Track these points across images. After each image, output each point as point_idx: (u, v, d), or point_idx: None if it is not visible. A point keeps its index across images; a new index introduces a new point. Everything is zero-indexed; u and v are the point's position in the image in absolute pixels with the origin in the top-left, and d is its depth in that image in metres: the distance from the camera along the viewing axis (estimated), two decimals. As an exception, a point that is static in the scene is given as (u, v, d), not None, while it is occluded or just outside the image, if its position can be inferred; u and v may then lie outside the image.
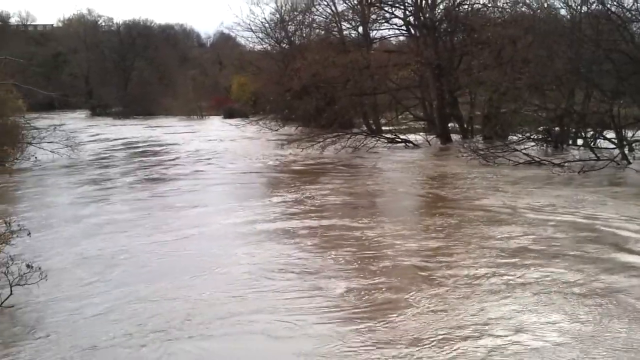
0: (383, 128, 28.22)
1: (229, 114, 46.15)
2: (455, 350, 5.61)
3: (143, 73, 61.07)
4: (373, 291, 7.28)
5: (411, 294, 7.06)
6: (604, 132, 18.07)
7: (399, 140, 24.10)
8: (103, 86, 61.68)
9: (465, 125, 24.85)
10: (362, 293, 7.21)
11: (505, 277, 7.52)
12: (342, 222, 11.04)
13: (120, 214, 12.64)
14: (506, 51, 21.06)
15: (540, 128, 19.70)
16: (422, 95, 26.43)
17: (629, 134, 17.96)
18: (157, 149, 27.15)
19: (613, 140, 17.46)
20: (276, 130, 32.33)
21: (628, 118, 17.70)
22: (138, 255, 9.45)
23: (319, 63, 24.58)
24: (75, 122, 45.18)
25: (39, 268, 7.34)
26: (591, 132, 18.77)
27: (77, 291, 7.72)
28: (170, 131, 37.11)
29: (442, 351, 5.60)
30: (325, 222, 11.18)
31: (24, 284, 7.21)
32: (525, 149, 18.40)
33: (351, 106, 26.34)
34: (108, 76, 62.73)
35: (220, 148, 26.11)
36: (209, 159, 22.27)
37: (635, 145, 17.74)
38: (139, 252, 9.62)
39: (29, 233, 8.42)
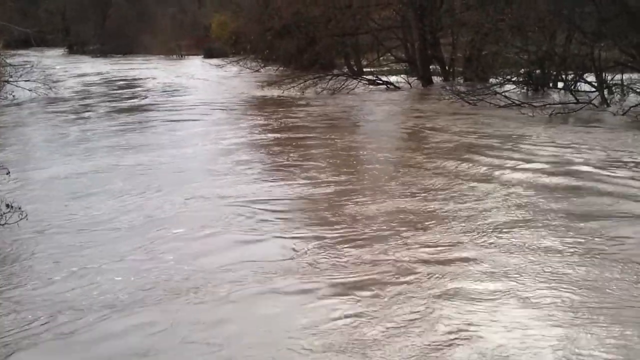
0: (364, 69, 28.04)
1: (209, 54, 45.51)
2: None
3: (121, 10, 59.75)
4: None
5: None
6: (585, 75, 18.09)
7: (381, 82, 23.92)
8: (80, 23, 60.34)
9: (446, 67, 24.73)
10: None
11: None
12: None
13: (102, 152, 12.76)
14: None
15: (522, 70, 19.65)
16: (404, 36, 26.15)
17: (609, 77, 17.99)
18: (135, 88, 27.03)
19: (593, 83, 17.48)
20: (257, 71, 32.10)
21: (609, 61, 17.68)
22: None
23: (300, 2, 24.23)
24: (53, 59, 44.63)
25: (19, 208, 7.28)
26: (572, 75, 18.76)
27: (58, 225, 7.73)
28: (148, 70, 36.89)
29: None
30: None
31: (4, 224, 7.16)
32: (506, 91, 18.39)
33: (333, 47, 26.08)
34: (85, 12, 61.31)
35: (200, 88, 26.05)
36: (186, 95, 22.37)
37: (615, 88, 17.79)
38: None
39: (8, 172, 8.36)
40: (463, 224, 7.04)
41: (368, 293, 5.39)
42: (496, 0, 19.86)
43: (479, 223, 7.06)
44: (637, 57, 16.40)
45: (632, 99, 16.29)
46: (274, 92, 22.62)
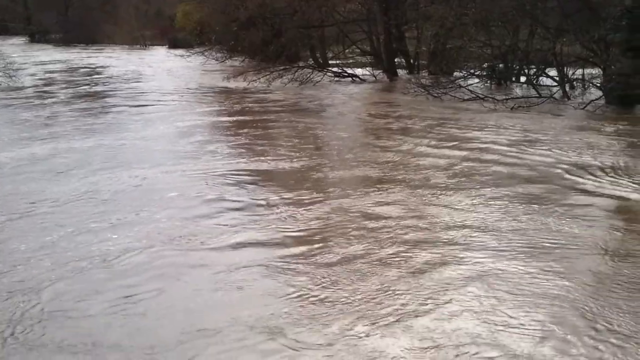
0: (330, 62, 27.99)
1: (174, 44, 45.08)
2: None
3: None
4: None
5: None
6: (547, 70, 18.30)
7: (346, 74, 23.91)
8: (43, 11, 59.18)
9: (411, 61, 24.81)
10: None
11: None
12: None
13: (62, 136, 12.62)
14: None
15: (485, 65, 19.80)
16: (369, 29, 26.14)
17: (571, 71, 18.22)
18: (98, 75, 26.65)
19: (555, 77, 17.68)
20: (222, 62, 31.87)
21: (570, 56, 17.91)
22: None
23: (266, -7, 24.10)
24: (14, 48, 43.74)
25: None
26: (534, 70, 18.97)
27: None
28: (112, 59, 36.43)
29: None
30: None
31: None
32: (470, 85, 18.51)
33: (298, 39, 25.95)
34: (48, 1, 60.12)
35: (163, 77, 25.79)
36: (149, 83, 22.10)
37: (576, 83, 18.03)
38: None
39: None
40: (406, 187, 8.17)
41: (330, 235, 6.37)
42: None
43: (418, 184, 8.28)
44: (598, 53, 16.62)
45: (592, 93, 16.53)
46: (240, 84, 22.44)
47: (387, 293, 4.93)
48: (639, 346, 4.08)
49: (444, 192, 7.85)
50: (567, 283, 5.01)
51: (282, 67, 23.27)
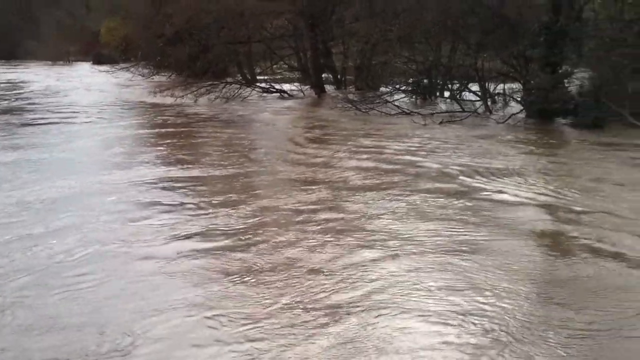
0: (258, 78, 27.90)
1: (98, 60, 44.18)
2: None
3: (4, 14, 57.00)
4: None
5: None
6: (469, 85, 18.69)
7: (274, 90, 23.86)
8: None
9: (338, 76, 24.96)
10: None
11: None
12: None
13: None
14: (377, 3, 21.20)
15: (410, 80, 20.08)
16: (296, 45, 26.21)
17: (492, 86, 18.66)
18: (18, 91, 25.82)
19: (477, 92, 18.07)
20: (148, 78, 31.38)
21: (491, 71, 18.35)
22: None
23: (192, 9, 23.79)
24: None
25: None
26: (457, 85, 19.35)
27: None
28: (33, 75, 35.42)
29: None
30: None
31: None
32: (395, 100, 18.72)
33: (225, 55, 25.75)
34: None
35: (86, 93, 25.18)
36: (71, 98, 21.58)
37: (497, 97, 18.48)
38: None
39: None
40: (328, 188, 8.87)
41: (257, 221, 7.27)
42: (384, 12, 20.23)
43: (338, 185, 9.07)
44: (518, 68, 17.08)
45: (513, 107, 16.96)
46: (166, 99, 22.11)
47: (314, 276, 5.51)
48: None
49: (359, 191, 8.60)
50: (451, 246, 6.20)
51: (209, 83, 23.02)
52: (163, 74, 30.91)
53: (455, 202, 7.89)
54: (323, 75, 24.72)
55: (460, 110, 16.72)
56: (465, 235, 6.58)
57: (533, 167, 10.23)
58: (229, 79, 24.66)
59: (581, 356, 4.14)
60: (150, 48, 29.20)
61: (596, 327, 4.50)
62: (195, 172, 10.06)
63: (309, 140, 13.79)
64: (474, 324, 4.54)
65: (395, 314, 4.72)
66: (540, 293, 5.14)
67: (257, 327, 4.56)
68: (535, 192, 8.42)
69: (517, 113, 15.86)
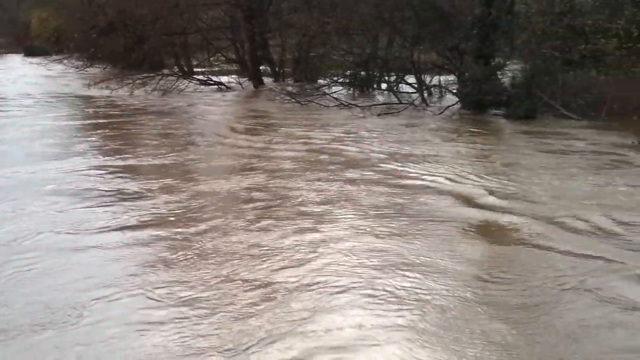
0: (195, 70, 27.50)
1: (29, 52, 42.85)
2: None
3: None
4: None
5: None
6: (406, 77, 18.80)
7: (212, 82, 23.53)
8: None
9: (276, 69, 24.81)
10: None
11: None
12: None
13: None
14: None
15: (348, 72, 20.08)
16: (233, 37, 25.93)
17: (428, 78, 18.82)
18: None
19: (414, 84, 18.21)
20: (82, 70, 30.60)
21: (427, 63, 18.49)
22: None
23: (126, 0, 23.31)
24: None
25: None
26: (394, 77, 19.45)
27: None
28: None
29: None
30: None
31: None
32: (334, 92, 18.71)
33: (161, 46, 25.29)
34: None
35: (16, 86, 24.35)
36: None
37: (433, 89, 18.66)
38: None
39: None
40: (263, 173, 9.25)
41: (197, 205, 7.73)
42: (321, 4, 20.16)
43: (273, 171, 9.46)
44: (452, 60, 17.26)
45: (449, 99, 17.15)
46: (101, 91, 21.59)
47: (252, 253, 5.85)
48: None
49: (292, 177, 8.99)
50: (374, 227, 6.58)
51: (144, 75, 22.57)
52: (97, 66, 30.18)
53: (375, 187, 8.29)
54: (261, 68, 24.52)
55: (398, 102, 16.80)
56: (385, 213, 7.09)
57: (452, 153, 10.71)
58: (165, 71, 24.24)
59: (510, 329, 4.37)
60: (83, 39, 28.44)
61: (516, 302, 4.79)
62: (131, 162, 10.15)
63: (245, 131, 13.90)
64: (400, 297, 4.85)
65: (327, 288, 5.02)
66: (456, 268, 5.47)
67: (198, 300, 4.86)
68: (446, 176, 8.89)
69: (453, 105, 16.03)
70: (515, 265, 5.54)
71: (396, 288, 4.98)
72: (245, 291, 5.00)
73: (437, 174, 9.00)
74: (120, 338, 4.29)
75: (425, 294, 4.87)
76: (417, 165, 9.67)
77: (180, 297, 4.91)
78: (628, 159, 9.97)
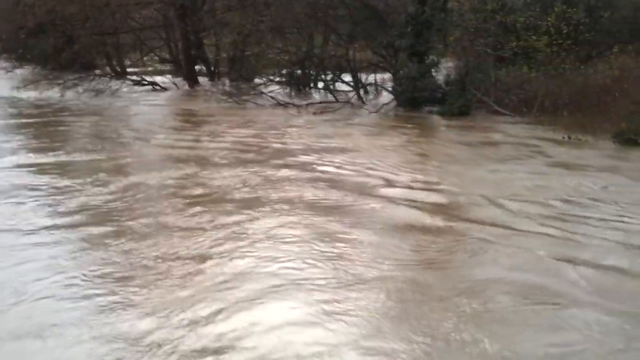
0: (128, 70, 26.73)
1: (-45, 53, 41.08)
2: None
3: None
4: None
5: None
6: (342, 75, 18.65)
7: (146, 82, 22.87)
8: None
9: (212, 68, 24.35)
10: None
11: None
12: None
13: None
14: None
15: (284, 71, 19.81)
16: (167, 36, 25.33)
17: (364, 76, 18.71)
18: None
19: (350, 83, 18.09)
20: (10, 71, 29.43)
21: (363, 62, 18.39)
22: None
23: (55, -1, 22.43)
24: None
25: None
26: (330, 75, 19.27)
27: None
28: None
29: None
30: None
31: None
32: (271, 91, 18.42)
33: (92, 46, 24.42)
34: None
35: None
36: None
37: (369, 87, 18.57)
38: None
39: None
40: (196, 164, 9.66)
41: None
42: (255, 2, 19.81)
43: (204, 162, 9.94)
44: (387, 58, 17.20)
45: (385, 96, 17.08)
46: (31, 93, 20.79)
47: (183, 234, 6.28)
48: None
49: (220, 168, 9.50)
50: (294, 208, 7.23)
51: (76, 76, 21.82)
52: (27, 67, 29.05)
53: (295, 176, 8.86)
54: (196, 67, 24.03)
55: (334, 100, 16.65)
56: (304, 197, 7.74)
57: (373, 146, 11.18)
58: (97, 72, 23.48)
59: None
60: (11, 40, 27.28)
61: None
62: (63, 158, 10.23)
63: (178, 128, 14.23)
64: (312, 264, 5.51)
65: (250, 259, 5.62)
66: (346, 231, 6.37)
67: (131, 277, 5.26)
68: (363, 165, 9.44)
69: (389, 102, 15.97)
70: (412, 235, 6.30)
71: (310, 257, 5.65)
72: (177, 267, 5.45)
73: (352, 164, 9.52)
74: (56, 311, 4.72)
75: (329, 257, 5.62)
76: (334, 156, 10.20)
77: (115, 276, 5.30)
78: (544, 152, 10.35)
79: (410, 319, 4.51)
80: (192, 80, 23.12)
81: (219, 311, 4.62)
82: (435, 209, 7.16)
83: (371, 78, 18.68)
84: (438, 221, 6.68)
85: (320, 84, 19.49)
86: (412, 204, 7.34)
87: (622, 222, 6.59)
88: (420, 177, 8.72)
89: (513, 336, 4.27)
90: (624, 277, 5.26)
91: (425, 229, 6.41)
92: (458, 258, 5.68)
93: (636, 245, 5.91)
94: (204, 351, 4.12)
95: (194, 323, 4.45)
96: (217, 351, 4.12)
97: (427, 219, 6.75)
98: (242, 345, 4.17)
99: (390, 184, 8.35)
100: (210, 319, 4.51)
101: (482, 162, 9.65)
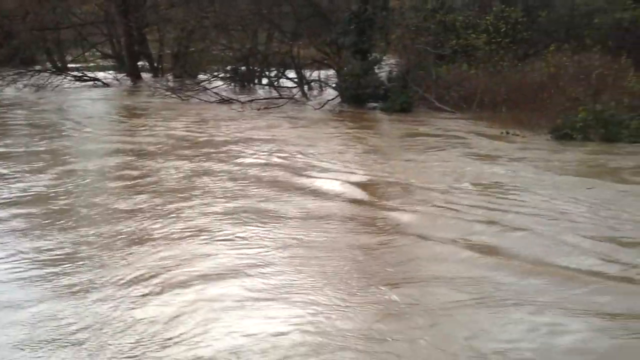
0: (70, 66, 26.01)
1: None
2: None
3: None
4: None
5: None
6: (286, 72, 18.56)
7: (87, 78, 22.29)
8: None
9: (155, 64, 23.94)
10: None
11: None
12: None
13: None
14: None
15: (228, 67, 19.61)
16: (109, 31, 24.76)
17: (308, 73, 18.67)
18: None
19: (294, 79, 18.00)
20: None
21: (307, 59, 18.34)
22: None
23: (-8, -7, 21.68)
24: None
25: None
26: (275, 72, 19.15)
27: None
28: None
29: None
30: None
31: None
32: (216, 87, 18.18)
33: (32, 41, 23.72)
34: None
35: None
36: None
37: (314, 84, 18.52)
38: None
39: None
40: (132, 155, 9.87)
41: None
42: (199, -2, 19.57)
43: (140, 153, 10.08)
44: (331, 55, 17.19)
45: (330, 93, 17.04)
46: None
47: (121, 216, 6.41)
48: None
49: (153, 157, 9.69)
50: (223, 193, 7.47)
51: (15, 71, 21.10)
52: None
53: (221, 164, 9.09)
54: (139, 63, 23.58)
55: (278, 96, 16.55)
56: (230, 184, 7.92)
57: (296, 137, 11.43)
58: (37, 67, 22.78)
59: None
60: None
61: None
62: (1, 150, 10.22)
63: (116, 121, 14.36)
64: (241, 237, 5.81)
65: (183, 234, 5.87)
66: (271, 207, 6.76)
67: (72, 254, 5.37)
68: (281, 155, 9.71)
69: (333, 99, 15.94)
70: (330, 212, 6.60)
71: (239, 232, 5.93)
72: (117, 243, 5.62)
73: (282, 155, 9.69)
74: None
75: (254, 234, 5.91)
76: (259, 146, 10.47)
77: (56, 253, 5.41)
78: (469, 144, 10.58)
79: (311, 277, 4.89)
80: (135, 76, 22.66)
81: (160, 279, 4.83)
82: (352, 192, 7.46)
83: (315, 75, 18.65)
84: (351, 205, 6.93)
85: (265, 81, 19.35)
86: (330, 189, 7.62)
87: (511, 204, 6.83)
88: (342, 165, 8.97)
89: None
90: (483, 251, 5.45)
91: (336, 212, 6.62)
92: (364, 239, 5.82)
93: (504, 224, 6.12)
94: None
95: (133, 299, 4.51)
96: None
97: (342, 204, 7.00)
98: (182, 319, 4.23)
99: (313, 172, 8.56)
100: (149, 295, 4.59)
101: (408, 153, 9.93)
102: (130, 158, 9.61)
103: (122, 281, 4.78)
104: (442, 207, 6.69)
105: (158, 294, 4.58)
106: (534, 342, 3.87)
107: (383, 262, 5.19)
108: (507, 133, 11.14)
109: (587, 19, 14.92)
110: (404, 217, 6.36)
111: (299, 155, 9.68)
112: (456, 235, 5.76)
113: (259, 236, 5.83)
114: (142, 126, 13.06)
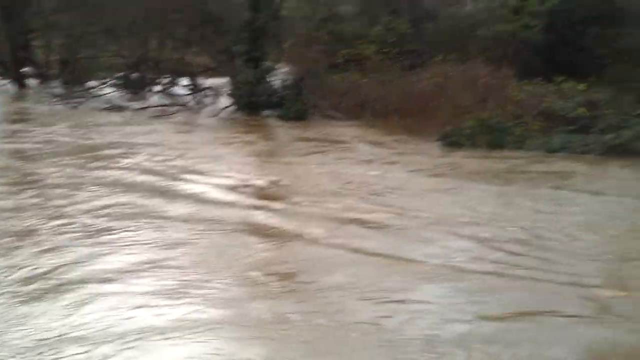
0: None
1: None
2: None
3: None
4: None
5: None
6: (180, 79, 18.12)
7: (-32, 84, 21.04)
8: None
9: (42, 70, 22.83)
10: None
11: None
12: None
13: None
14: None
15: (118, 74, 18.94)
16: (-9, 37, 23.37)
17: (202, 81, 18.31)
18: None
19: (189, 86, 17.65)
20: None
21: (200, 66, 18.01)
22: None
23: None
24: None
25: None
26: (168, 79, 18.65)
27: None
28: None
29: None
30: None
31: None
32: (107, 94, 17.53)
33: None
34: None
35: None
36: None
37: (207, 92, 18.17)
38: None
39: None
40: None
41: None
42: (85, 4, 18.77)
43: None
44: (224, 63, 16.96)
45: (225, 101, 16.79)
46: None
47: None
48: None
49: (37, 159, 10.01)
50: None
51: None
52: None
53: (98, 163, 9.51)
54: (25, 69, 22.38)
55: (171, 104, 16.17)
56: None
57: (181, 142, 11.75)
58: None
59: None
60: None
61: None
62: None
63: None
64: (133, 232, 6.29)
65: (74, 228, 6.34)
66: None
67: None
68: (160, 159, 9.99)
69: (228, 106, 15.74)
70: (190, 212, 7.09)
71: (127, 227, 6.35)
72: (40, 235, 6.10)
73: (160, 160, 9.95)
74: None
75: (146, 231, 6.32)
76: (148, 152, 10.62)
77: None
78: (353, 149, 11.19)
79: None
80: (19, 82, 21.50)
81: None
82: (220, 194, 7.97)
83: (209, 82, 18.32)
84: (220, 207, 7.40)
85: (158, 88, 18.81)
86: (199, 192, 8.08)
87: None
88: (218, 168, 9.47)
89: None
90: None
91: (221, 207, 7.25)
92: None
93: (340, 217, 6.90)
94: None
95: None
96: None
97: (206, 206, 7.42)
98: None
99: (188, 175, 8.92)
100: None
101: (286, 156, 10.44)
102: (6, 161, 9.82)
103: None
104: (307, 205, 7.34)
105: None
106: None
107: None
108: (396, 140, 11.36)
109: (470, 30, 15.42)
110: (262, 216, 7.02)
111: (178, 160, 9.96)
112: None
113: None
114: (23, 131, 12.86)
